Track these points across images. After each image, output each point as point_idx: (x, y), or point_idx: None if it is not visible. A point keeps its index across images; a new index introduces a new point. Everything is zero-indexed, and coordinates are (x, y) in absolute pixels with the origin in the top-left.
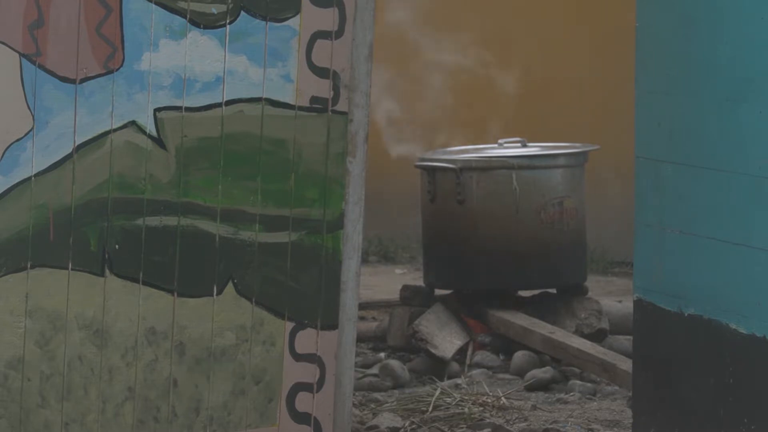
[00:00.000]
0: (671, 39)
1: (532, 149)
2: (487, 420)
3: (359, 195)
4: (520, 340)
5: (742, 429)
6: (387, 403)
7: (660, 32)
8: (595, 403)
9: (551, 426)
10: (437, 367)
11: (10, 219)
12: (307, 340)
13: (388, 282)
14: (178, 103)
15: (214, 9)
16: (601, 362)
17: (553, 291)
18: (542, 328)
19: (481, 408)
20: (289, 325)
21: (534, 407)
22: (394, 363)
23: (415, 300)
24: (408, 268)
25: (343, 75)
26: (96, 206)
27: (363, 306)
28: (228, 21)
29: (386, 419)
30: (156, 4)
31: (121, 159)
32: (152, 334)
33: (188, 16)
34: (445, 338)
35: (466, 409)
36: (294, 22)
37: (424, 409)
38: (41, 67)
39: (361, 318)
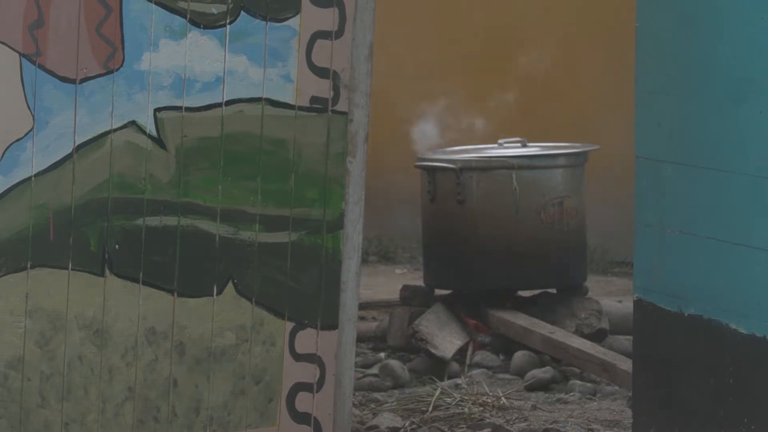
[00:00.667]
0: (671, 39)
1: (532, 149)
2: (487, 420)
3: (359, 195)
4: (520, 340)
5: (742, 429)
6: (387, 403)
7: (660, 32)
8: (595, 403)
9: (551, 426)
10: (437, 367)
11: (10, 219)
12: (307, 340)
13: (388, 282)
14: (178, 103)
15: (214, 9)
16: (601, 362)
17: (553, 291)
18: (542, 328)
19: (481, 408)
20: (289, 325)
21: (534, 407)
22: (394, 363)
23: (415, 300)
24: (408, 268)
25: (343, 75)
26: (96, 206)
27: (363, 306)
28: (228, 21)
29: (386, 419)
30: (156, 4)
31: (121, 159)
32: (152, 334)
33: (188, 16)
34: (445, 338)
35: (466, 409)
36: (294, 22)
37: (424, 409)
38: (41, 67)
39: (361, 318)
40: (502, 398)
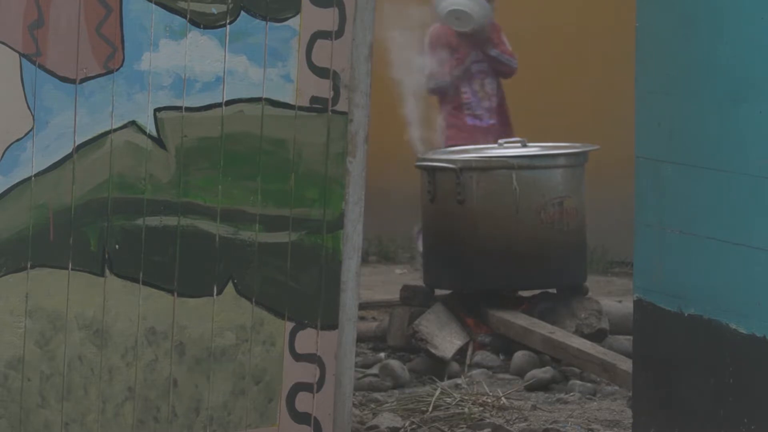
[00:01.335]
0: (671, 39)
1: (532, 149)
2: (487, 420)
3: (359, 195)
4: (520, 340)
5: (742, 429)
6: (387, 403)
7: (660, 32)
8: (595, 403)
9: (551, 426)
10: (437, 367)
11: (10, 219)
12: (307, 340)
13: (388, 282)
14: (178, 103)
15: (214, 9)
16: (601, 362)
17: (553, 291)
18: (542, 328)
19: (481, 408)
20: (289, 325)
21: (534, 407)
22: (394, 363)
23: (415, 300)
24: (408, 268)
25: (343, 75)
26: (96, 206)
27: (363, 306)
28: (228, 21)
29: (386, 419)
30: (156, 4)
31: (121, 159)
32: (152, 334)
33: (188, 16)
34: (445, 338)
35: (466, 409)
36: (294, 22)
37: (424, 409)
38: (41, 67)
39: (361, 318)
40: (502, 398)
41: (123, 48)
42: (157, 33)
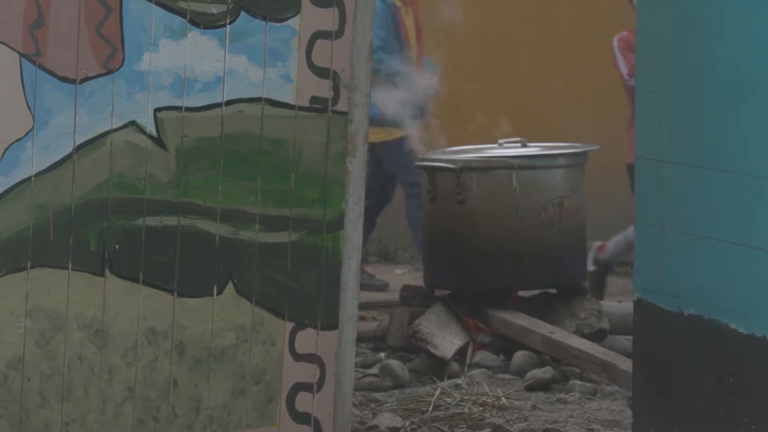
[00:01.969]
0: (671, 39)
1: (532, 149)
2: (487, 420)
3: (359, 195)
4: (520, 340)
5: (742, 429)
6: (387, 403)
7: (660, 32)
8: (595, 403)
9: (551, 426)
10: (437, 367)
11: (10, 219)
12: (307, 340)
13: (388, 282)
14: (178, 103)
15: (214, 9)
16: (601, 362)
17: (553, 291)
18: (542, 328)
19: (481, 408)
20: (289, 325)
21: (534, 407)
22: (394, 363)
23: (415, 300)
24: (408, 268)
25: (343, 75)
26: (96, 206)
27: (363, 306)
28: (228, 21)
29: (386, 419)
30: (156, 4)
31: (121, 159)
32: (152, 334)
33: (188, 16)
34: (445, 338)
35: (466, 409)
36: (294, 22)
37: (424, 409)
38: (41, 67)
39: (361, 318)
40: (502, 398)
41: (123, 48)
42: (157, 33)
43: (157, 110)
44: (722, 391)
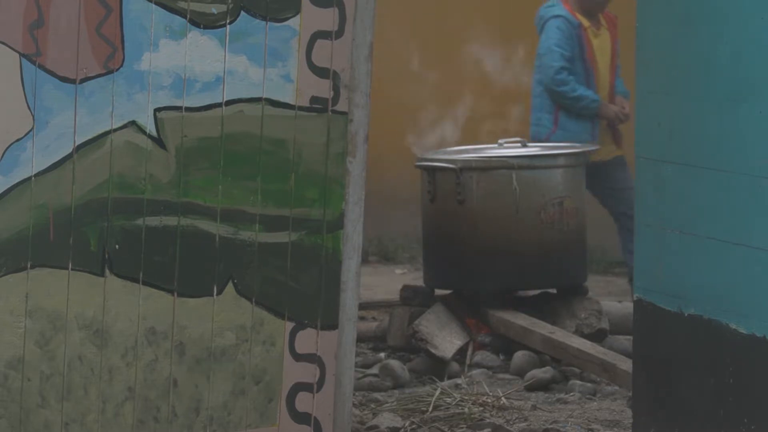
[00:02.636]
0: (671, 39)
1: (532, 149)
2: (487, 420)
3: (359, 195)
4: (520, 340)
5: (742, 429)
6: (387, 403)
7: (660, 32)
8: (595, 403)
9: (551, 426)
10: (437, 367)
11: (10, 219)
12: (307, 340)
13: (388, 282)
14: (178, 103)
15: (214, 9)
16: (601, 362)
17: (553, 291)
18: (542, 328)
19: (481, 408)
20: (289, 325)
21: (534, 407)
22: (394, 363)
23: (415, 300)
24: (408, 268)
25: (343, 75)
26: (96, 206)
27: (363, 306)
28: (228, 21)
29: (386, 419)
30: (156, 4)
31: (121, 159)
32: (152, 334)
33: (188, 16)
34: (445, 338)
35: (466, 409)
36: (294, 22)
37: (424, 409)
38: (41, 67)
39: (361, 318)
40: (502, 398)
41: (123, 48)
42: (157, 33)
43: (157, 110)
44: (722, 391)
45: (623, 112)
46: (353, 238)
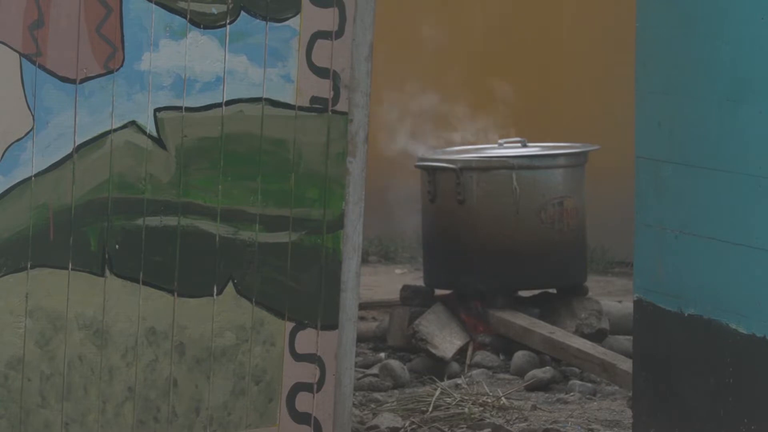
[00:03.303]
0: (671, 39)
1: (532, 149)
2: (487, 420)
3: (359, 195)
4: (520, 340)
5: (742, 429)
6: (387, 403)
7: (660, 32)
8: (595, 403)
9: (551, 426)
10: (437, 367)
11: (10, 219)
12: (307, 340)
13: (388, 282)
14: (178, 103)
15: (214, 9)
16: (601, 362)
17: (553, 291)
18: (542, 328)
19: (481, 408)
20: (289, 325)
21: (534, 407)
22: (394, 363)
23: (415, 300)
24: (408, 268)
25: (343, 75)
26: (96, 206)
27: (363, 306)
28: (228, 21)
29: (386, 419)
30: (156, 4)
31: (121, 159)
32: (152, 334)
33: (188, 16)
34: (445, 338)
35: (466, 409)
36: (294, 22)
37: (424, 409)
38: (41, 67)
39: (361, 318)
40: (502, 398)
41: (123, 48)
42: (157, 33)
43: (157, 110)
44: (722, 391)
45: None
46: (353, 238)
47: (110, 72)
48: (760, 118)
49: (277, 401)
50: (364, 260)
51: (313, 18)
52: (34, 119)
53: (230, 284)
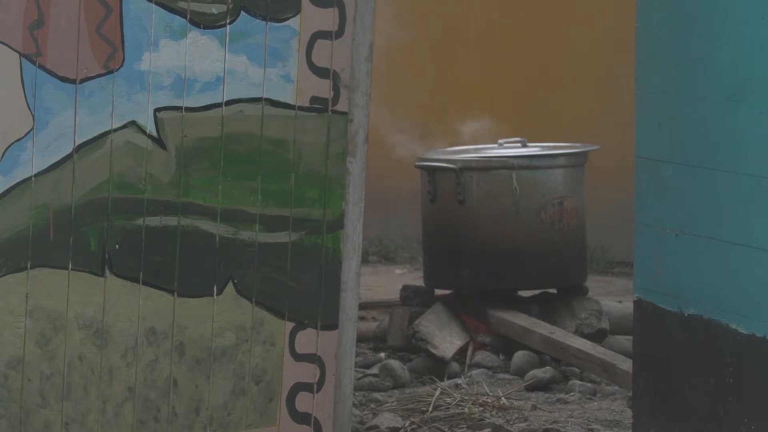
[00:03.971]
0: (671, 39)
1: (532, 149)
2: (487, 420)
3: (359, 195)
4: (520, 340)
5: (742, 429)
6: (387, 403)
7: (660, 32)
8: (595, 403)
9: (551, 426)
10: (437, 367)
11: (10, 219)
12: (307, 340)
13: (388, 282)
14: (178, 103)
15: (214, 9)
16: (601, 362)
17: (553, 291)
18: (542, 328)
19: (481, 408)
20: (289, 325)
21: (534, 407)
22: (394, 363)
23: (415, 300)
24: (408, 268)
25: (343, 75)
26: (96, 206)
27: (363, 306)
28: (228, 21)
29: (386, 419)
30: (156, 4)
31: (121, 159)
32: (152, 334)
33: (188, 16)
34: (445, 338)
35: (466, 409)
36: (294, 22)
37: (424, 409)
38: (41, 67)
39: (361, 318)
40: (502, 398)
41: (123, 48)
42: (157, 33)
43: (157, 110)
44: (722, 391)
45: None
46: (353, 238)
47: (110, 72)
48: (760, 118)
49: (277, 401)
50: (364, 260)
51: (313, 18)
52: (34, 119)
53: (230, 284)
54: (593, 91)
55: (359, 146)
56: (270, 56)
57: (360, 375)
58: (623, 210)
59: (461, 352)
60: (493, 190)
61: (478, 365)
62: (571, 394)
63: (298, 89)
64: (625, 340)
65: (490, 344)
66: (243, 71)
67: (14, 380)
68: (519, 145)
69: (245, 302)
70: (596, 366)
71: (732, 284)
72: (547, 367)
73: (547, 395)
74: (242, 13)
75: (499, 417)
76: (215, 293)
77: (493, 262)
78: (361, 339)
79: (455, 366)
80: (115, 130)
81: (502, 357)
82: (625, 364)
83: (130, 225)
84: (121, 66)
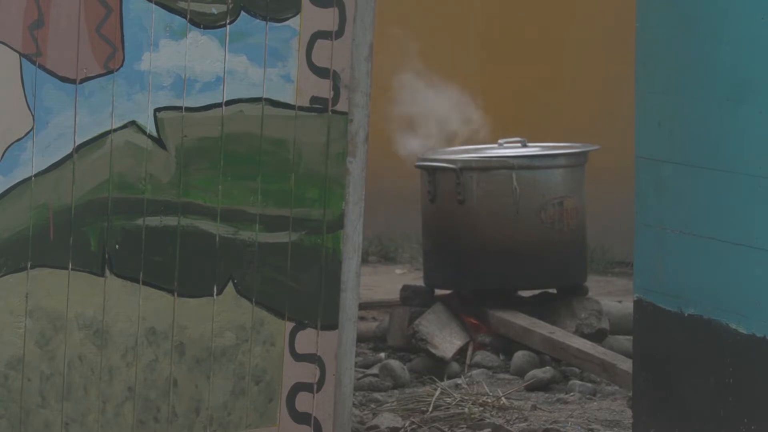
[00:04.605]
0: (671, 39)
1: (532, 149)
2: (487, 420)
3: (359, 195)
4: (520, 340)
5: (742, 429)
6: (387, 403)
7: (660, 32)
8: (595, 403)
9: (551, 426)
10: (437, 367)
11: (10, 219)
12: (307, 340)
13: (388, 282)
14: (178, 103)
15: (214, 9)
16: (601, 362)
17: (553, 291)
18: (542, 328)
19: (481, 408)
20: (289, 325)
21: (534, 407)
22: (394, 363)
23: (415, 300)
24: (408, 268)
25: (343, 75)
26: (96, 206)
27: (363, 306)
28: (228, 21)
29: (386, 419)
30: (156, 4)
31: (121, 159)
32: (152, 334)
33: (188, 16)
34: (445, 338)
35: (466, 409)
36: (294, 22)
37: (424, 409)
38: (41, 67)
39: (361, 318)
40: (502, 398)
41: (123, 48)
42: (157, 33)
43: (157, 110)
44: (722, 391)
45: None
46: (353, 238)
47: (110, 72)
48: (760, 118)
49: (277, 401)
50: (364, 260)
51: (313, 18)
52: (34, 119)
53: (230, 284)
54: (593, 91)
55: (359, 146)
56: (270, 56)
57: (360, 375)
58: (623, 210)
59: (461, 352)
60: (493, 190)
61: (478, 365)
62: (571, 394)
63: (298, 89)
64: (625, 340)
65: (490, 344)
66: (243, 71)
67: (14, 380)
68: (519, 145)
69: (245, 302)
70: (596, 366)
71: (732, 284)
72: (547, 367)
73: (547, 395)
74: (242, 13)
75: (499, 417)
76: (215, 293)
77: (493, 262)
78: (361, 339)
79: (455, 366)
80: (115, 130)
81: (502, 357)
82: (625, 364)
83: (130, 225)
84: (121, 66)
